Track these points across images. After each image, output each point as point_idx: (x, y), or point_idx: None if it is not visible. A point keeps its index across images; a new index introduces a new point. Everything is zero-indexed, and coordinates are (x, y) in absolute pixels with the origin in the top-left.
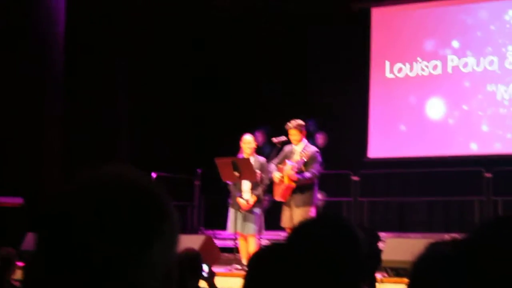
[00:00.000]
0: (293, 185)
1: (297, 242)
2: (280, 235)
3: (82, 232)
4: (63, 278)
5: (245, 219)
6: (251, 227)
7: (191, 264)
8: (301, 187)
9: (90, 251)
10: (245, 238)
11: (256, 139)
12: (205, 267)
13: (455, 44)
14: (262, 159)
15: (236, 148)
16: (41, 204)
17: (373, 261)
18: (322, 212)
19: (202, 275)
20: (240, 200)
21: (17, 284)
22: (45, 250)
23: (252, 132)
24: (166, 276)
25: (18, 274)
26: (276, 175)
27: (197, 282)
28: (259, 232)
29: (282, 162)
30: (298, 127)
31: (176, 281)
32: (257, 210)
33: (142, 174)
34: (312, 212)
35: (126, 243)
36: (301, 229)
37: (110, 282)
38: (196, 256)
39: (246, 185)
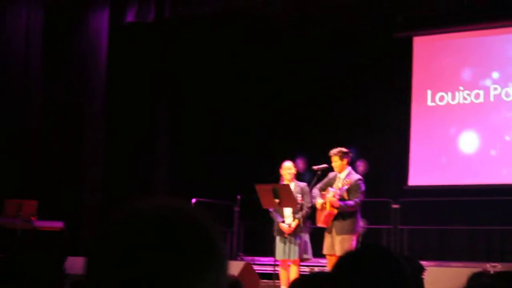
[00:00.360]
0: (335, 211)
1: (342, 271)
2: (321, 262)
3: (131, 264)
4: None
5: (290, 244)
6: (297, 252)
7: None
8: (344, 215)
9: (142, 279)
10: (286, 266)
11: (296, 166)
12: None
13: (496, 74)
14: (302, 184)
15: (276, 174)
16: (83, 226)
17: None
18: (368, 243)
19: None
20: (282, 225)
21: None
22: (96, 276)
23: (292, 159)
24: None
25: None
26: (318, 201)
27: None
28: (305, 256)
29: (325, 188)
30: (340, 154)
31: None
32: (302, 235)
33: (192, 205)
34: (353, 240)
35: (178, 272)
36: (347, 259)
37: None
38: (236, 283)
39: (287, 210)
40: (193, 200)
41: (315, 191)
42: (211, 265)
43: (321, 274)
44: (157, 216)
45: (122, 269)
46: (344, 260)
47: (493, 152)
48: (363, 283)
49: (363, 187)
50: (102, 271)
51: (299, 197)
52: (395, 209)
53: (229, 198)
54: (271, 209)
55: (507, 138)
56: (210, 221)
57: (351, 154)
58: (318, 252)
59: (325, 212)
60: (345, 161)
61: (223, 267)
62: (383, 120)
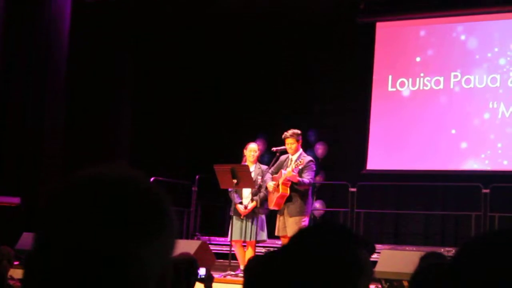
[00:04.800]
0: (287, 193)
1: (293, 249)
2: (277, 244)
3: (79, 229)
4: (60, 276)
5: (246, 225)
6: (253, 234)
7: (186, 268)
8: (296, 197)
9: (87, 248)
10: (241, 246)
11: (258, 147)
12: (203, 271)
13: (456, 61)
14: (264, 166)
15: (234, 155)
16: (40, 202)
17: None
18: (322, 220)
19: (200, 278)
20: (239, 206)
21: (15, 283)
22: (42, 248)
23: (253, 140)
24: (161, 277)
25: (16, 273)
26: (270, 184)
27: (192, 286)
28: (260, 238)
29: (277, 172)
30: (294, 135)
31: (171, 284)
32: (256, 217)
33: (143, 175)
34: (305, 221)
35: (123, 240)
36: (299, 237)
37: (106, 278)
38: (192, 261)
39: (246, 191)
40: (152, 179)
41: (268, 175)
42: (159, 231)
43: (277, 252)
44: (103, 181)
45: (68, 235)
46: (297, 237)
47: (451, 139)
48: (316, 259)
49: (314, 167)
50: (49, 239)
51: (259, 179)
52: (352, 192)
53: (188, 178)
54: (230, 190)
55: (466, 124)
56: (159, 188)
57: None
58: (272, 234)
59: (278, 194)
60: (300, 142)
61: (171, 234)
62: (343, 104)
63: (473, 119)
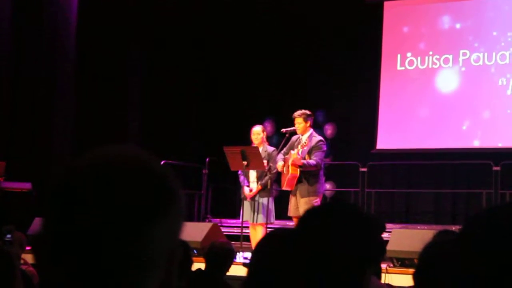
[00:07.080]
0: (296, 174)
1: (304, 228)
2: (288, 225)
3: (88, 207)
4: (68, 255)
5: (254, 208)
6: (260, 217)
7: (220, 256)
8: (307, 177)
9: (95, 226)
10: (255, 226)
11: (265, 129)
12: (249, 255)
13: (465, 39)
14: (270, 148)
15: (244, 137)
16: (49, 184)
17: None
18: (333, 199)
19: (246, 263)
20: (245, 189)
21: (28, 268)
22: (52, 231)
23: (261, 122)
24: (170, 255)
25: (29, 258)
26: (279, 165)
27: (224, 273)
28: (268, 220)
29: (288, 152)
30: (302, 115)
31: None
32: (265, 200)
33: (151, 155)
34: (317, 202)
35: (131, 218)
36: (309, 216)
37: (119, 257)
38: (228, 250)
39: (252, 174)
40: (162, 162)
41: (280, 155)
42: (168, 210)
43: (287, 230)
44: (112, 162)
45: (78, 216)
46: (308, 215)
47: (460, 117)
48: (327, 236)
49: (324, 148)
50: (54, 222)
51: (264, 162)
52: (363, 172)
53: (198, 161)
54: (240, 173)
55: (476, 102)
56: (167, 168)
57: (313, 116)
58: (284, 215)
59: (288, 175)
60: (308, 123)
61: (180, 213)
62: (352, 84)
63: (484, 96)
